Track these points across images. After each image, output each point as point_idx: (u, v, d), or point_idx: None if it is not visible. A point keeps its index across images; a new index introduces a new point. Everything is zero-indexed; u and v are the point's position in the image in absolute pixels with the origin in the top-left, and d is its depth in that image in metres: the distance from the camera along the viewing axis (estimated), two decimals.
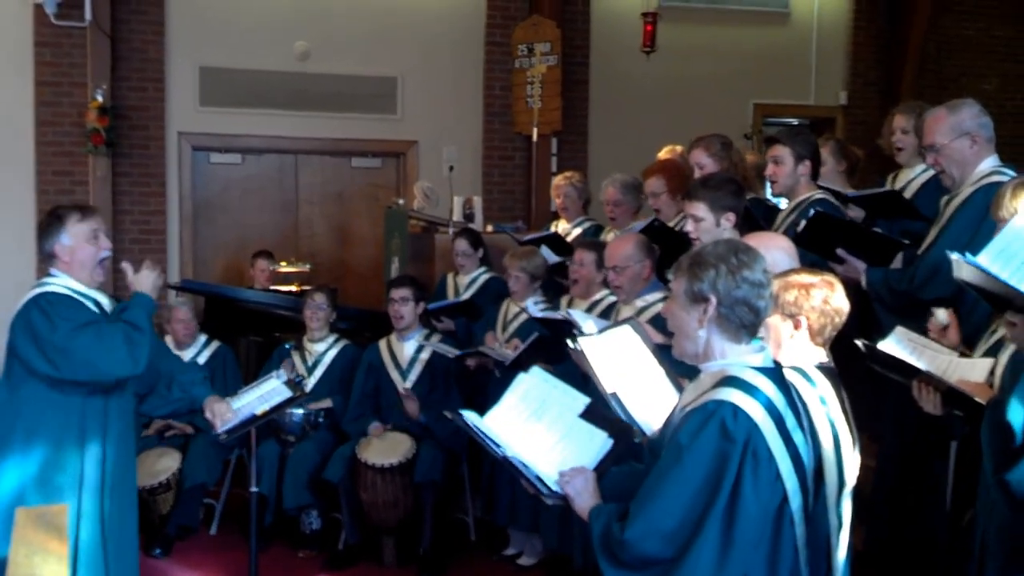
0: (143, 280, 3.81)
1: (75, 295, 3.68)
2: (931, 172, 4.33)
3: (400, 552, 5.44)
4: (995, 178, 3.68)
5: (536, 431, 2.84)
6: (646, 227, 4.84)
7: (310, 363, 5.95)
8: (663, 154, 6.12)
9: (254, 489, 4.42)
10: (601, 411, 2.87)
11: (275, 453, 5.56)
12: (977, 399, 2.81)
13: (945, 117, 3.79)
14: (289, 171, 9.01)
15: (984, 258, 2.28)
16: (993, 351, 3.08)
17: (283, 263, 8.01)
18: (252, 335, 7.13)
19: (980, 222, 3.29)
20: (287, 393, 4.35)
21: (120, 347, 3.57)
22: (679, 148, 6.13)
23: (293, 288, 7.68)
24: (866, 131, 8.88)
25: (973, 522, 3.04)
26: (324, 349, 6.01)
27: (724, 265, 2.48)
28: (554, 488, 2.70)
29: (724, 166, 4.90)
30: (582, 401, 2.88)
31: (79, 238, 3.72)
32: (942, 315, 3.40)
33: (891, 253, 4.02)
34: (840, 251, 3.98)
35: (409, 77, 8.89)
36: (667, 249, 4.59)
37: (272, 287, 7.65)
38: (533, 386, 2.95)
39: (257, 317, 6.93)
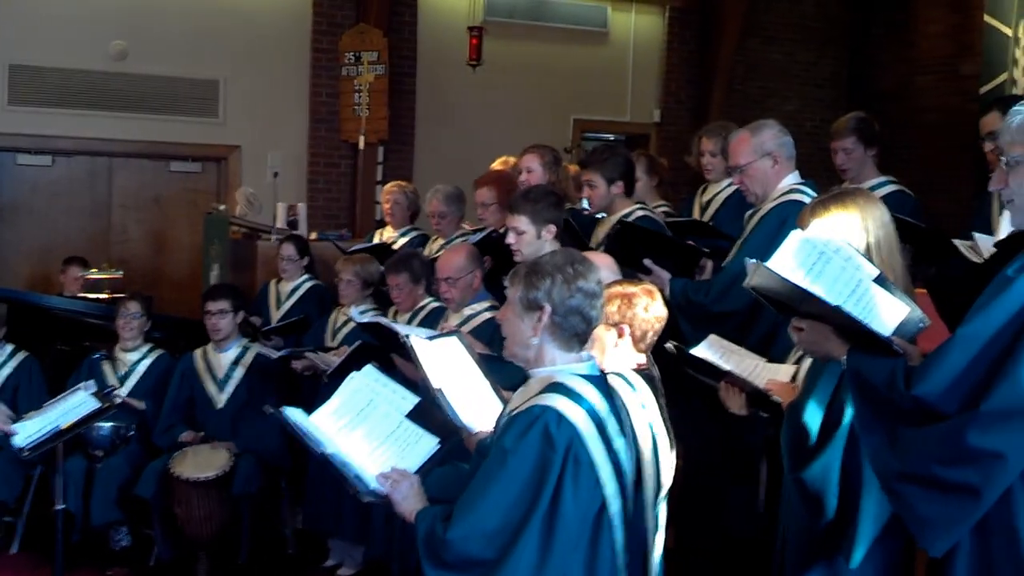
0: None
1: None
2: (735, 186, 4.59)
3: (215, 567, 5.28)
4: (793, 196, 3.92)
5: (362, 430, 2.86)
6: (483, 239, 4.92)
7: (122, 373, 5.72)
8: (497, 165, 6.18)
9: (59, 506, 4.24)
10: (430, 411, 2.91)
11: (82, 468, 5.30)
12: (775, 398, 2.96)
13: (748, 139, 4.01)
14: (102, 174, 8.63)
15: (776, 262, 2.41)
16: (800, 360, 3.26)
17: (94, 270, 7.67)
18: (59, 344, 6.79)
19: (775, 236, 3.49)
20: (95, 405, 4.18)
21: None
22: (512, 160, 6.21)
23: (104, 295, 7.36)
24: (677, 147, 9.24)
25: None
26: (137, 359, 5.79)
27: (560, 275, 2.55)
28: (372, 486, 2.72)
29: (550, 178, 5.03)
30: (411, 401, 2.92)
31: None
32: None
33: (693, 263, 4.21)
34: (646, 261, 4.13)
35: (232, 80, 8.67)
36: (499, 259, 4.68)
37: (82, 294, 7.32)
38: (364, 384, 2.98)
39: (65, 325, 6.60)
